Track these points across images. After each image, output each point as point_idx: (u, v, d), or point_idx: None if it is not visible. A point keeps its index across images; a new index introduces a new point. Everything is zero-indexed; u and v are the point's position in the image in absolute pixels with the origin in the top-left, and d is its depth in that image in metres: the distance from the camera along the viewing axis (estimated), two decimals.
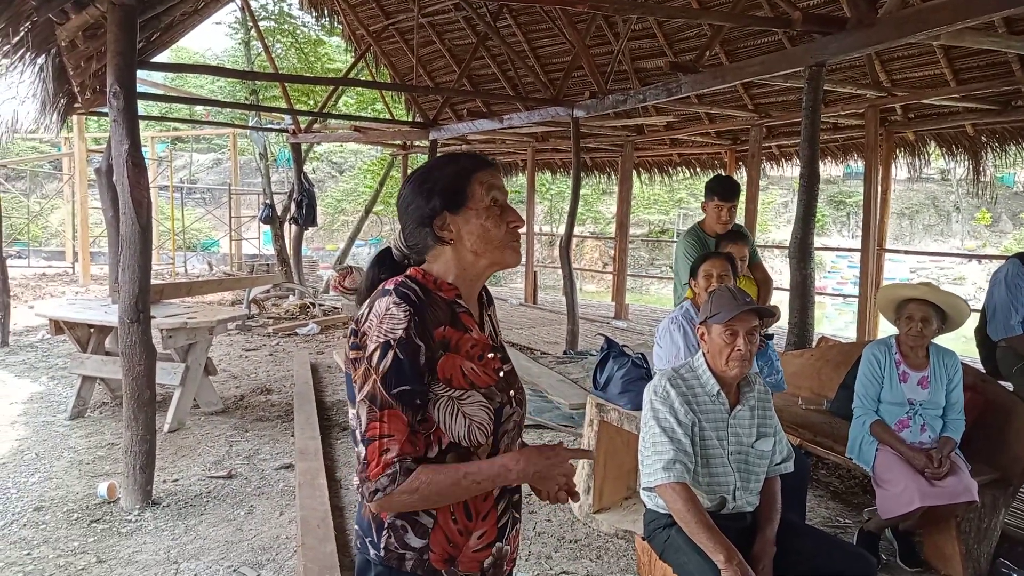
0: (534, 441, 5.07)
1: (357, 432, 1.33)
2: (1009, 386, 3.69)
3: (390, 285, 1.38)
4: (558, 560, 3.40)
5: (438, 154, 9.94)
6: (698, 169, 11.78)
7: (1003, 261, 3.80)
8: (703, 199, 4.36)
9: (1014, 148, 7.79)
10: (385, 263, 1.53)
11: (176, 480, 4.28)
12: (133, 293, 3.82)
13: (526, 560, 3.38)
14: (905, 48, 6.84)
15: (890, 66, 7.29)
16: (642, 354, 4.00)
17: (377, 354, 1.31)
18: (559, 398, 6.06)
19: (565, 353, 7.95)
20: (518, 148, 13.03)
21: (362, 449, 1.31)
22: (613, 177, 12.84)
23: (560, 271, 8.70)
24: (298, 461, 4.37)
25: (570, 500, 1.48)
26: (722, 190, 4.21)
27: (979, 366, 3.87)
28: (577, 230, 12.89)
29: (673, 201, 25.43)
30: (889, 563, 3.37)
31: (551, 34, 9.52)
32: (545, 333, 9.40)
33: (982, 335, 3.82)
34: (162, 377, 5.28)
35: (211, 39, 41.19)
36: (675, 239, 20.23)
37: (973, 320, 4.00)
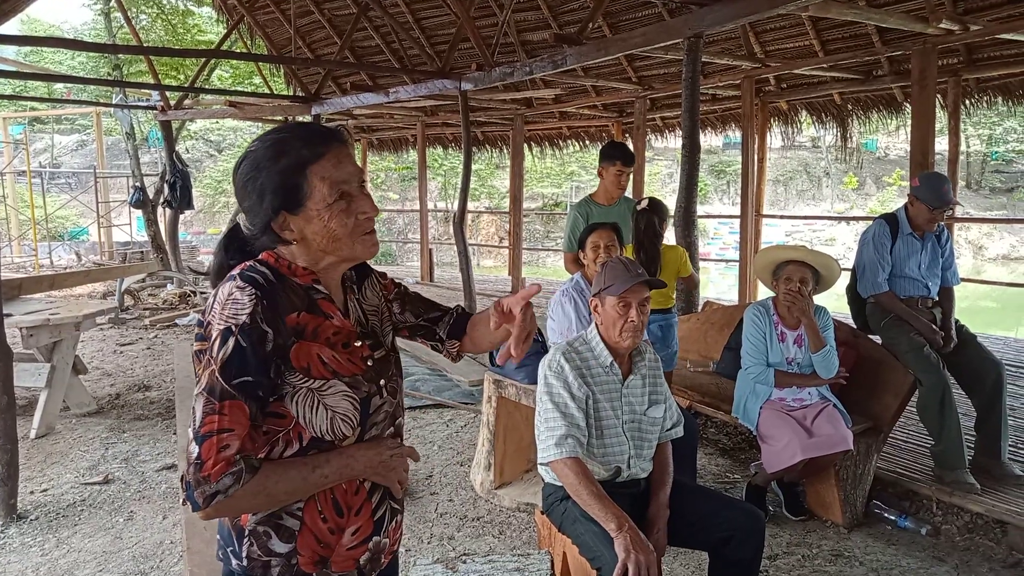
0: (434, 421, 5.01)
1: (190, 430, 1.17)
2: (878, 339, 3.91)
3: (237, 270, 1.26)
4: (461, 540, 3.36)
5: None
6: (587, 141, 12.00)
7: (870, 222, 4.00)
8: (599, 165, 4.21)
9: (876, 115, 8.38)
10: (234, 245, 1.36)
11: (46, 490, 3.95)
12: None
13: (428, 543, 3.33)
14: (777, 20, 7.14)
15: (763, 38, 7.59)
16: (537, 328, 3.99)
17: (218, 342, 1.18)
18: (458, 376, 6.01)
19: None
20: (407, 123, 12.75)
21: (195, 448, 1.14)
22: (505, 152, 12.82)
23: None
24: (181, 461, 4.10)
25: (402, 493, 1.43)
26: (623, 155, 4.11)
27: (851, 322, 4.09)
28: (472, 205, 12.83)
29: (565, 174, 25.75)
30: (776, 514, 3.54)
31: (435, 5, 9.29)
32: None
33: (853, 293, 4.00)
34: (25, 379, 4.87)
35: (67, 10, 37.80)
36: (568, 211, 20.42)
37: (844, 279, 4.23)
